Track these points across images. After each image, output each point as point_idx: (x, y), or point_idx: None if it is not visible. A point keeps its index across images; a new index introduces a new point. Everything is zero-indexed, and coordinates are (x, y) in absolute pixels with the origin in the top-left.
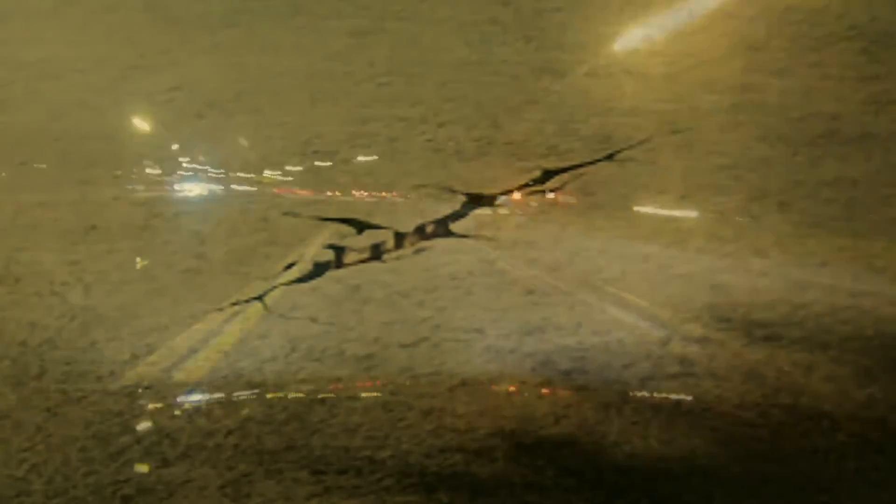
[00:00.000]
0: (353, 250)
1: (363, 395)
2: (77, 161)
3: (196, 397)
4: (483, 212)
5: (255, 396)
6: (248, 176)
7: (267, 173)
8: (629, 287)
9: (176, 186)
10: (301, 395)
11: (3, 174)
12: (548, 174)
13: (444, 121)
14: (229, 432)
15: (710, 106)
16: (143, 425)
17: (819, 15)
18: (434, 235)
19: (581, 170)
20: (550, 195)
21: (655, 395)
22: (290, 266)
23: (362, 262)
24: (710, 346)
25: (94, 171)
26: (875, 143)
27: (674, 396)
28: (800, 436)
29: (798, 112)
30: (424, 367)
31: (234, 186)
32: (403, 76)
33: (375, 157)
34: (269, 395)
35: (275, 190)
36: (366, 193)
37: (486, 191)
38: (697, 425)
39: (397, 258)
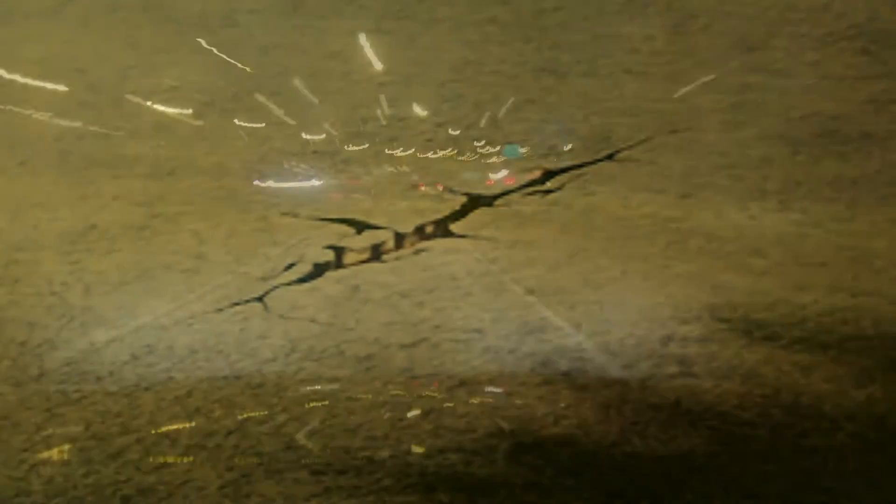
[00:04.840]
0: (353, 250)
1: (363, 395)
2: (77, 161)
3: (196, 398)
4: (483, 212)
5: (254, 397)
6: (247, 176)
7: (266, 173)
8: (629, 287)
9: (176, 186)
10: (301, 395)
11: (3, 174)
12: (548, 174)
13: (442, 121)
14: (229, 432)
15: (710, 106)
16: (143, 426)
17: (819, 14)
18: (434, 236)
19: (581, 170)
20: (550, 195)
21: (655, 395)
22: (289, 266)
23: (362, 262)
24: (710, 347)
25: (94, 171)
26: (875, 143)
27: (673, 397)
28: (799, 436)
29: (798, 112)
30: (424, 367)
31: (233, 186)
32: (402, 76)
33: (374, 158)
34: (268, 396)
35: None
36: (365, 193)
37: (486, 191)
38: (697, 425)
39: (397, 258)
